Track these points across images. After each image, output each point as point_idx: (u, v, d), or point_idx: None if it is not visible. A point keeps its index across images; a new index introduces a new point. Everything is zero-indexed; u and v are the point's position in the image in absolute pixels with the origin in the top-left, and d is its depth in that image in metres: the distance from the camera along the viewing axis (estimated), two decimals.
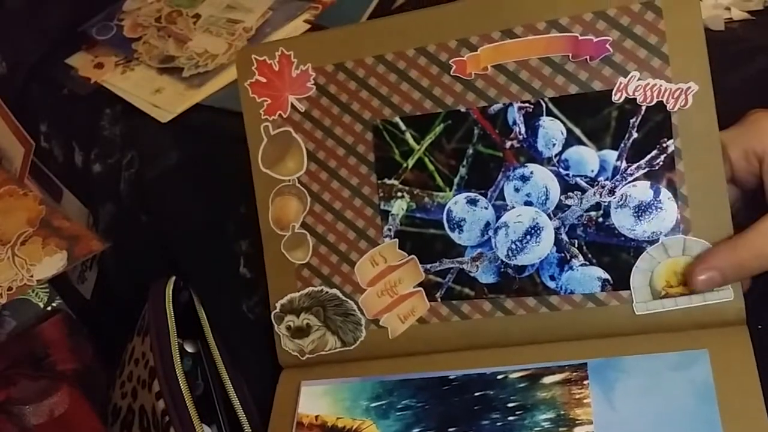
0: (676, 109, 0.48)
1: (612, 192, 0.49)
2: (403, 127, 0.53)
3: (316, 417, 0.54)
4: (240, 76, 0.56)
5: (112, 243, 0.67)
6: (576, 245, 0.50)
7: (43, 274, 0.64)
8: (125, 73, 0.78)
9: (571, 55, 0.50)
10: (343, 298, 0.55)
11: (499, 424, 0.49)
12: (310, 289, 0.55)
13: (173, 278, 0.59)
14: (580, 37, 0.50)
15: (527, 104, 0.51)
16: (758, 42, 0.56)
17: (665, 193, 0.49)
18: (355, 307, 0.54)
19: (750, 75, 0.49)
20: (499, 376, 0.51)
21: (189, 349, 0.57)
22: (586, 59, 0.50)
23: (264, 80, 0.56)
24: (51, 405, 0.57)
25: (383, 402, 0.52)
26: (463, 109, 0.52)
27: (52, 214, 0.68)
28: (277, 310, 0.56)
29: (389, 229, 0.54)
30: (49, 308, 0.66)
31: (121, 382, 0.59)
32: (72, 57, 0.83)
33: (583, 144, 0.50)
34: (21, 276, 0.64)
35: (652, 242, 0.49)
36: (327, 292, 0.55)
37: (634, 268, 0.49)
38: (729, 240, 0.47)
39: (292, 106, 0.55)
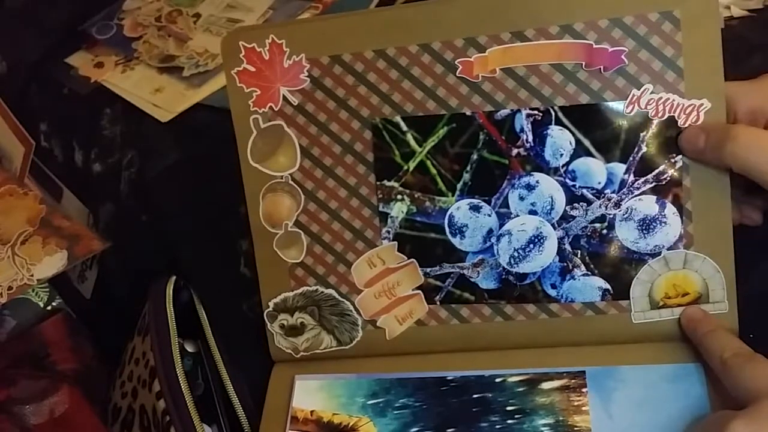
0: (687, 125, 0.48)
1: (618, 205, 0.49)
2: (404, 127, 0.51)
3: (311, 412, 0.54)
4: (226, 63, 0.52)
5: (112, 243, 0.66)
6: (579, 255, 0.50)
7: (43, 273, 0.64)
8: (125, 73, 0.77)
9: (584, 63, 0.48)
10: (339, 298, 0.54)
11: (498, 426, 0.50)
12: (305, 288, 0.54)
13: (173, 278, 0.57)
14: (594, 46, 0.48)
15: (536, 112, 0.49)
16: (757, 40, 0.56)
17: (670, 208, 0.49)
18: (351, 307, 0.54)
19: (747, 72, 0.49)
20: (498, 379, 0.51)
21: (189, 348, 0.56)
22: (600, 69, 0.48)
23: (253, 69, 0.52)
24: (51, 405, 0.57)
25: (380, 400, 0.53)
26: (468, 113, 0.50)
27: (53, 213, 0.68)
28: (270, 308, 0.55)
29: (388, 232, 0.52)
30: (49, 308, 0.65)
31: (122, 381, 0.58)
32: (72, 56, 0.82)
33: (592, 156, 0.49)
34: (21, 275, 0.63)
35: (654, 255, 0.49)
36: (322, 292, 0.54)
37: (634, 279, 0.50)
38: None
39: (284, 98, 0.52)
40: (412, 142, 0.51)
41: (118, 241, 0.67)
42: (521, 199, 0.50)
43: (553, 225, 0.50)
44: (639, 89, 0.48)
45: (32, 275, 0.63)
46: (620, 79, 0.48)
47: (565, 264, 0.51)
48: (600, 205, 0.50)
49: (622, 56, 0.48)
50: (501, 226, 0.51)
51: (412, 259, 0.52)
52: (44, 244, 0.64)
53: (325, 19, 0.56)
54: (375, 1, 0.75)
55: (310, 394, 0.54)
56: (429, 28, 0.50)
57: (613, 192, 0.49)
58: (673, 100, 0.48)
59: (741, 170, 0.45)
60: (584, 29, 0.48)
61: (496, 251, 0.51)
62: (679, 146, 0.48)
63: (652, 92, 0.48)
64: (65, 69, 0.81)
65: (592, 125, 0.49)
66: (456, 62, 0.50)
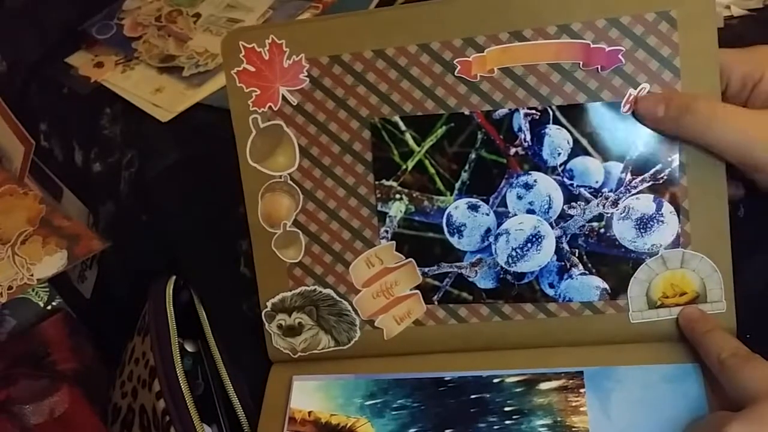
0: None
1: (615, 204, 0.49)
2: (403, 127, 0.51)
3: (309, 413, 0.54)
4: (226, 63, 0.53)
5: (112, 242, 0.67)
6: (576, 254, 0.50)
7: (43, 273, 0.64)
8: (125, 73, 0.78)
9: (581, 63, 0.48)
10: (337, 298, 0.54)
11: (496, 427, 0.50)
12: (303, 288, 0.54)
13: (173, 278, 0.57)
14: (592, 45, 0.48)
15: (534, 111, 0.50)
16: (757, 40, 0.56)
17: (667, 207, 0.49)
18: (349, 307, 0.54)
19: None
20: (496, 380, 0.51)
21: (189, 348, 0.56)
22: (597, 68, 0.48)
23: (252, 69, 0.52)
24: (51, 404, 0.57)
25: (378, 401, 0.53)
26: (466, 112, 0.50)
27: (53, 213, 0.68)
28: (268, 308, 0.54)
29: (386, 231, 0.53)
30: (49, 307, 0.66)
31: (122, 381, 0.58)
32: (72, 56, 0.82)
33: (589, 155, 0.49)
34: (21, 275, 0.64)
35: (651, 254, 0.49)
36: (320, 292, 0.54)
37: (632, 278, 0.50)
38: None
39: (284, 98, 0.53)
40: (411, 142, 0.51)
41: (118, 241, 0.67)
42: (519, 198, 0.50)
43: (550, 224, 0.50)
44: (636, 89, 0.48)
45: (32, 275, 0.63)
46: (617, 78, 0.48)
47: (563, 263, 0.51)
48: (597, 203, 0.50)
49: (619, 56, 0.48)
50: (499, 225, 0.51)
51: (411, 259, 0.53)
52: (44, 244, 0.65)
53: (324, 19, 0.56)
54: (375, 1, 0.75)
55: (307, 395, 0.54)
56: (428, 29, 0.50)
57: (611, 191, 0.49)
58: None
59: (701, 144, 0.46)
60: (582, 29, 0.48)
61: (494, 250, 0.51)
62: (635, 112, 0.48)
63: (649, 91, 0.48)
64: (65, 69, 0.81)
65: (590, 124, 0.49)
66: (454, 62, 0.50)
